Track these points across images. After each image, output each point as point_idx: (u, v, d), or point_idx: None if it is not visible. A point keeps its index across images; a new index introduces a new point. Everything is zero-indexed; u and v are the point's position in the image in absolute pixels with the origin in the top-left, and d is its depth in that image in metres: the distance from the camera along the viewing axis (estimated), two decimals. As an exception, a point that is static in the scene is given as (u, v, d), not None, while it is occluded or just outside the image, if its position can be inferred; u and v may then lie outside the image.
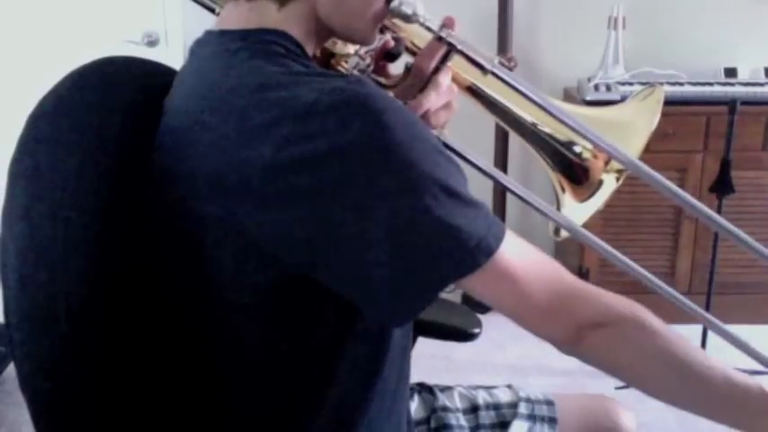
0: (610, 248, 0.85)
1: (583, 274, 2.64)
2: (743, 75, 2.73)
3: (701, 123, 2.52)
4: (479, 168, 0.88)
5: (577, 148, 0.89)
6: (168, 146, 0.74)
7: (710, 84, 2.59)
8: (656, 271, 2.61)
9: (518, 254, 0.73)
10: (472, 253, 0.67)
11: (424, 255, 0.66)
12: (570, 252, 2.82)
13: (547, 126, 0.89)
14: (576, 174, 0.90)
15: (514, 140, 2.80)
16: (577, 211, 0.90)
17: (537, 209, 0.86)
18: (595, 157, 0.88)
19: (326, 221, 0.65)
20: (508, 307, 0.72)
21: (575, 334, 0.72)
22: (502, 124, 0.92)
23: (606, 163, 0.88)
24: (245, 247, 0.68)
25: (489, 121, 0.93)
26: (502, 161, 2.81)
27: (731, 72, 2.73)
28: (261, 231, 0.67)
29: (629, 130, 0.90)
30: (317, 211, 0.65)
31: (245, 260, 0.69)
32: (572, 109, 0.90)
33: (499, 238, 0.71)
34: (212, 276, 0.71)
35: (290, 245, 0.67)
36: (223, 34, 0.76)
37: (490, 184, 3.16)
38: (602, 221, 2.55)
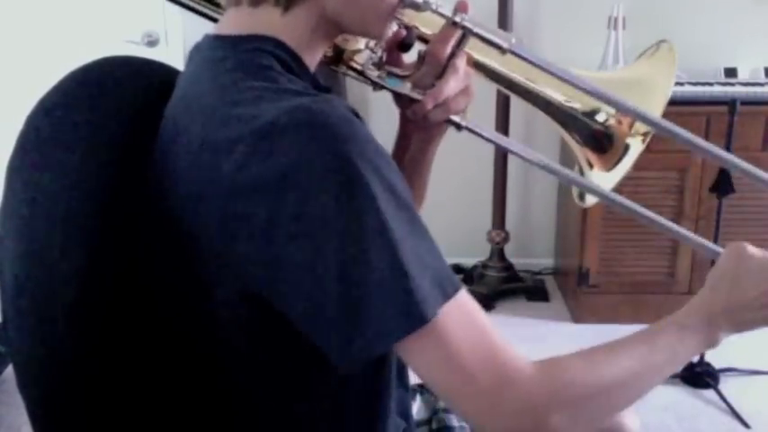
0: (645, 211, 0.83)
1: (583, 274, 2.64)
2: (743, 75, 2.73)
3: (701, 123, 2.52)
4: (507, 150, 0.87)
5: (601, 116, 0.88)
6: (161, 152, 0.74)
7: (710, 84, 2.59)
8: (656, 271, 2.62)
9: (465, 319, 0.66)
10: (418, 307, 0.63)
11: (371, 300, 0.62)
12: (570, 253, 2.81)
13: (567, 98, 0.88)
14: (602, 142, 0.88)
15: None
16: (605, 178, 0.89)
17: (564, 176, 0.84)
18: (620, 122, 0.87)
19: (279, 249, 0.63)
20: (441, 380, 0.66)
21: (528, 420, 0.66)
22: (520, 99, 0.91)
23: (630, 126, 0.87)
24: (215, 259, 0.68)
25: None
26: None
27: (731, 72, 2.73)
28: (223, 249, 0.67)
29: (648, 87, 0.89)
30: (269, 237, 0.64)
31: (218, 273, 0.69)
32: (591, 75, 0.88)
33: (449, 295, 0.65)
34: (196, 285, 0.71)
35: (249, 265, 0.66)
36: (217, 39, 0.76)
37: (490, 179, 3.12)
38: (603, 221, 2.55)
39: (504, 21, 2.71)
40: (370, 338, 0.63)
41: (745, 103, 2.25)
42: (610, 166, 0.88)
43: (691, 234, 0.85)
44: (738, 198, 2.25)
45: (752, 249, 0.75)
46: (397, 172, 0.67)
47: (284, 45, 0.74)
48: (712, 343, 0.75)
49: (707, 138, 2.51)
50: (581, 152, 0.90)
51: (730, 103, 2.12)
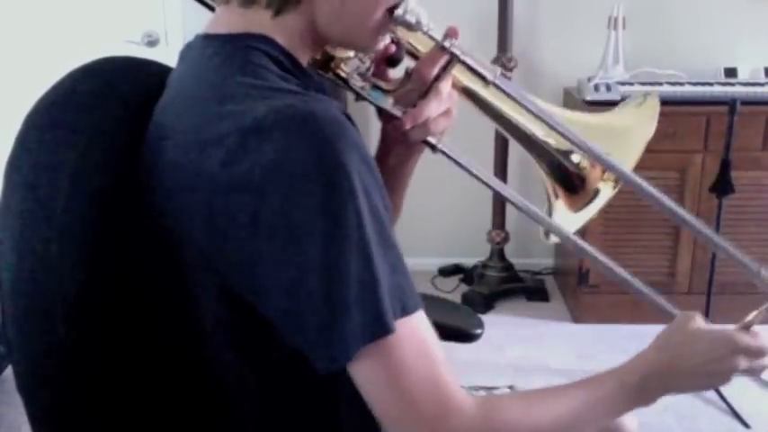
0: (600, 256, 0.85)
1: (583, 274, 2.64)
2: (743, 75, 2.73)
3: (701, 123, 2.52)
4: (477, 177, 0.88)
5: (575, 157, 0.89)
6: (149, 150, 0.74)
7: (710, 84, 2.59)
8: (656, 271, 2.61)
9: (420, 339, 0.66)
10: (383, 317, 0.63)
11: (346, 305, 0.62)
12: (570, 253, 2.81)
13: (545, 134, 0.89)
14: (573, 182, 0.90)
15: (514, 143, 2.82)
16: (572, 218, 0.90)
17: (531, 216, 0.86)
18: (593, 165, 0.88)
19: (260, 247, 0.64)
20: (383, 399, 0.66)
21: None
22: (499, 129, 0.92)
23: (603, 171, 0.88)
24: (200, 258, 0.69)
25: (489, 123, 0.93)
26: (501, 163, 2.81)
27: (731, 72, 2.73)
28: (208, 246, 0.67)
29: (627, 136, 0.90)
30: (251, 234, 0.64)
31: (203, 272, 0.69)
32: (571, 116, 0.89)
33: (408, 311, 0.65)
34: (185, 284, 0.71)
35: (231, 264, 0.66)
36: (207, 38, 0.76)
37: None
38: (603, 221, 2.55)
39: (504, 21, 2.71)
40: (345, 343, 0.63)
41: (745, 103, 2.25)
42: (579, 207, 0.90)
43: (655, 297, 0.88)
44: (738, 198, 2.25)
45: (701, 321, 0.78)
46: (379, 180, 0.68)
47: (276, 43, 0.74)
48: (646, 402, 0.77)
49: (706, 138, 2.52)
50: (552, 188, 0.92)
51: (730, 103, 2.11)
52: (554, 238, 0.92)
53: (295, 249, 0.63)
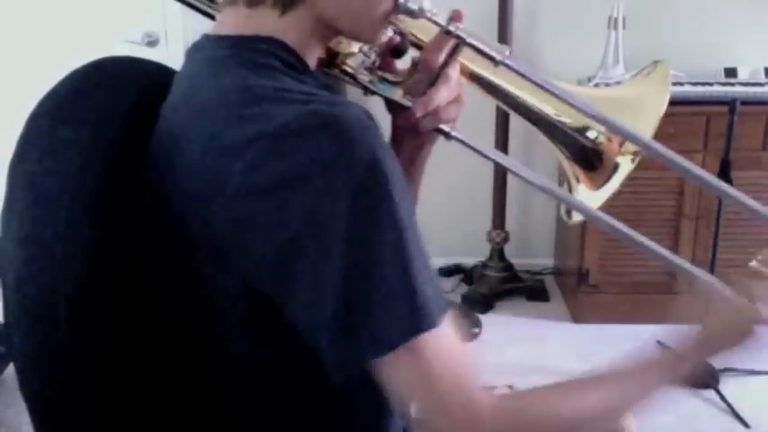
0: (625, 229, 0.84)
1: (583, 274, 2.64)
2: (743, 75, 2.73)
3: (701, 123, 2.52)
4: (496, 162, 0.87)
5: (591, 133, 0.88)
6: (160, 151, 0.74)
7: (710, 84, 2.59)
8: (656, 271, 2.62)
9: (451, 340, 0.66)
10: (423, 319, 0.63)
11: (373, 306, 0.62)
12: (570, 253, 2.82)
13: (558, 113, 0.88)
14: (591, 159, 0.89)
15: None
16: (593, 196, 0.89)
17: (551, 193, 0.85)
18: (610, 140, 0.87)
19: (288, 247, 0.64)
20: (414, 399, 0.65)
21: None
22: (512, 112, 0.91)
23: (621, 145, 0.87)
24: (220, 259, 0.68)
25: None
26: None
27: (731, 72, 2.73)
28: (233, 248, 0.67)
29: (640, 107, 0.89)
30: (280, 234, 0.64)
31: (223, 273, 0.69)
32: (584, 92, 0.88)
33: (442, 311, 0.65)
34: (200, 285, 0.71)
35: (256, 264, 0.66)
36: (217, 39, 0.76)
37: (490, 179, 3.11)
38: (603, 221, 2.54)
39: (504, 20, 2.71)
40: (365, 345, 0.63)
41: (745, 103, 2.25)
42: (599, 184, 0.89)
43: (683, 262, 0.86)
44: (738, 198, 2.25)
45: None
46: (405, 182, 0.68)
47: (286, 45, 0.74)
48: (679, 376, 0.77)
49: (707, 138, 2.52)
50: (571, 168, 0.90)
51: (730, 103, 2.12)
52: (577, 217, 0.91)
53: (320, 253, 0.63)
